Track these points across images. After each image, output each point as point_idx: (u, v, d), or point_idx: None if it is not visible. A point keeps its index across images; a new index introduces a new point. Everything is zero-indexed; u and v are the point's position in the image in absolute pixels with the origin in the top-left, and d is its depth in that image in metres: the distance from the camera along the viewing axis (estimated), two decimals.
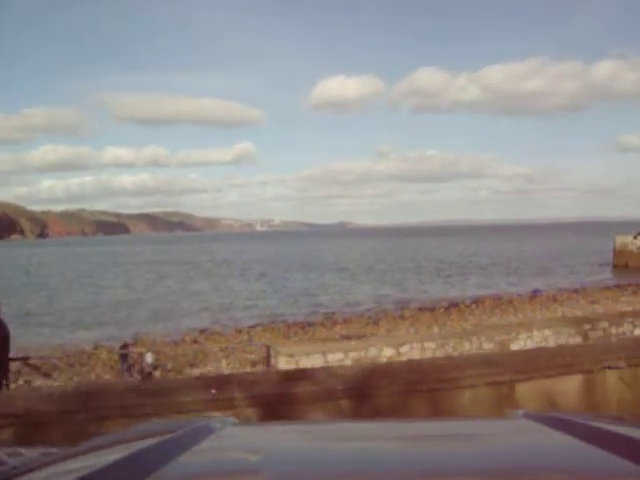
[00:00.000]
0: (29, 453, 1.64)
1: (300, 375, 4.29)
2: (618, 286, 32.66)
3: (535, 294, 32.26)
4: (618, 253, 45.19)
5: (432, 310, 27.39)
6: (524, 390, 4.82)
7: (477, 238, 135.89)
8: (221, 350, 15.86)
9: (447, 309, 27.57)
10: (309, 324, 24.41)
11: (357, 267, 55.02)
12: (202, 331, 23.60)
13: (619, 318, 11.91)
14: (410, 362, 5.22)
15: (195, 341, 20.72)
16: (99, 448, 1.49)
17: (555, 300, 29.27)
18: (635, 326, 11.16)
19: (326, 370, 4.74)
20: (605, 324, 11.04)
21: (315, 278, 44.61)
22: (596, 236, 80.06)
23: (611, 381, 5.24)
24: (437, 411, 4.55)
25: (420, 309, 28.04)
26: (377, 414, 4.36)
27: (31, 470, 1.32)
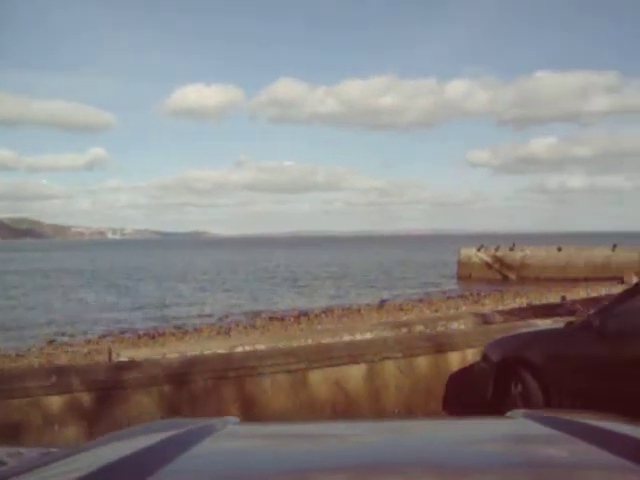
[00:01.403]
0: (29, 453, 1.66)
1: (129, 365, 5.17)
2: (461, 296, 34.83)
3: (382, 303, 34.11)
4: (462, 265, 46.82)
5: (282, 320, 28.41)
6: (316, 376, 5.94)
7: (331, 249, 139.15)
8: (69, 362, 16.05)
9: (297, 318, 28.70)
10: (159, 334, 24.66)
11: (210, 277, 55.25)
12: (50, 342, 23.36)
13: (433, 322, 13.52)
14: (221, 354, 6.21)
15: (42, 352, 20.58)
16: (99, 448, 1.49)
17: (401, 309, 31.11)
18: (447, 328, 12.68)
19: (151, 361, 5.63)
20: (421, 327, 12.43)
21: (167, 288, 44.42)
22: (445, 248, 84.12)
23: (390, 369, 6.49)
24: (244, 394, 5.57)
25: (271, 319, 28.97)
26: (193, 396, 5.32)
27: (31, 470, 1.32)
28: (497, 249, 46.65)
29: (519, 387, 5.92)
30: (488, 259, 45.87)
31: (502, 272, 44.22)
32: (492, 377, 6.20)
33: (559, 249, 43.39)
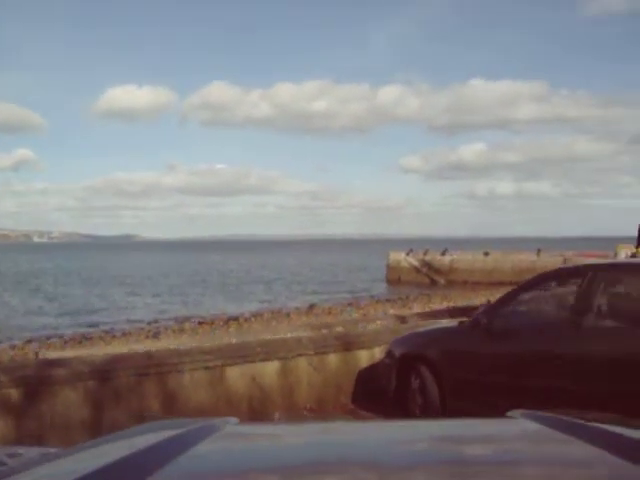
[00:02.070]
0: (29, 453, 1.67)
1: (56, 362, 5.54)
2: (389, 299, 35.58)
3: (312, 307, 34.64)
4: (391, 269, 47.45)
5: (211, 324, 28.62)
6: (233, 373, 6.41)
7: (263, 253, 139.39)
8: None
9: (226, 322, 28.96)
10: (87, 338, 24.58)
11: (141, 281, 54.80)
12: None
13: (354, 323, 14.23)
14: (143, 352, 6.62)
15: None
16: (99, 448, 1.50)
17: (330, 313, 31.77)
18: (365, 329, 13.35)
19: (78, 358, 6.00)
20: (340, 328, 13.07)
21: (96, 292, 43.93)
22: (376, 252, 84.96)
23: (303, 366, 7.01)
24: (165, 390, 5.99)
25: (200, 323, 29.14)
26: (117, 392, 5.72)
27: (31, 470, 1.32)
28: (425, 253, 47.53)
29: (418, 380, 6.52)
30: (416, 263, 46.71)
31: (430, 276, 45.13)
32: (395, 372, 6.79)
33: (486, 254, 44.52)
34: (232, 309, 34.32)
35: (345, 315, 30.34)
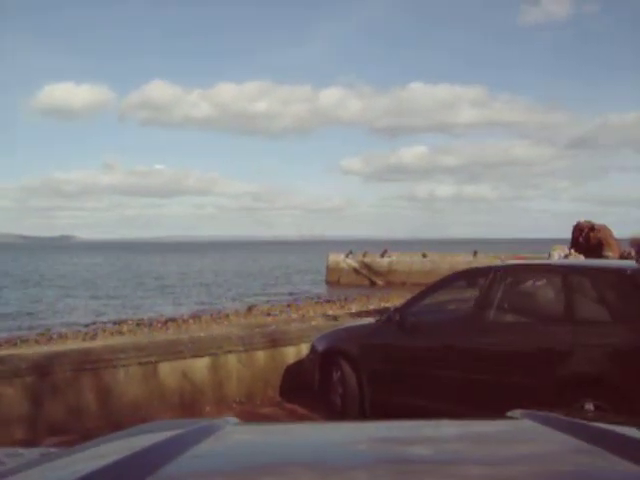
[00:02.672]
0: (29, 453, 1.68)
1: None
2: (328, 300, 36.05)
3: (251, 309, 34.93)
4: (331, 270, 47.68)
5: (150, 325, 28.65)
6: (165, 368, 6.82)
7: (203, 254, 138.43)
8: None
9: (165, 324, 29.02)
10: (22, 341, 24.36)
11: (78, 283, 54.04)
12: None
13: (287, 323, 14.72)
14: (80, 348, 6.96)
15: None
16: (100, 448, 1.50)
17: (269, 314, 32.09)
18: None
19: (17, 355, 6.33)
20: (273, 327, 13.53)
21: (32, 294, 43.21)
22: (316, 254, 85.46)
23: (232, 362, 7.47)
24: (100, 384, 6.36)
25: (138, 324, 29.12)
26: (55, 387, 6.07)
27: (31, 470, 1.33)
28: (365, 255, 48.05)
29: (338, 373, 7.06)
30: (356, 265, 47.09)
31: (370, 277, 45.59)
32: (318, 366, 7.31)
33: (424, 255, 45.18)
34: (171, 311, 34.23)
35: (284, 316, 30.76)
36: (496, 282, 6.29)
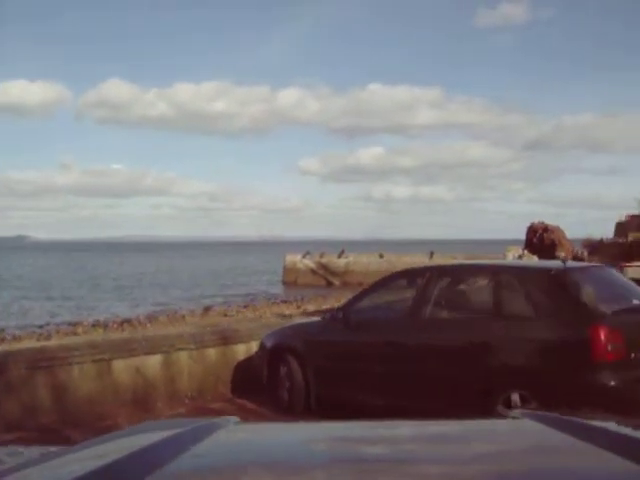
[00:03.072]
0: (29, 453, 1.68)
1: None
2: (285, 301, 36.26)
3: (208, 310, 34.98)
4: (288, 271, 48.11)
5: (105, 326, 28.59)
6: (119, 365, 7.10)
7: (160, 255, 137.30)
8: None
9: (120, 325, 28.98)
10: None
11: (33, 283, 53.36)
12: None
13: (240, 323, 15.10)
14: (35, 347, 7.20)
15: None
16: (99, 447, 1.50)
17: (225, 315, 32.20)
18: None
19: None
20: (225, 325, 13.85)
21: None
22: (274, 254, 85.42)
23: (184, 359, 7.78)
24: (55, 382, 6.61)
25: (94, 325, 29.01)
26: (10, 385, 6.28)
27: (31, 470, 1.33)
28: (322, 256, 48.43)
29: (285, 368, 7.42)
30: (313, 265, 47.49)
31: (327, 278, 45.97)
32: (266, 362, 7.67)
33: (381, 256, 45.66)
34: (127, 312, 34.06)
35: (240, 316, 30.95)
36: (432, 281, 6.74)
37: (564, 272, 6.40)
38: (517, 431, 1.58)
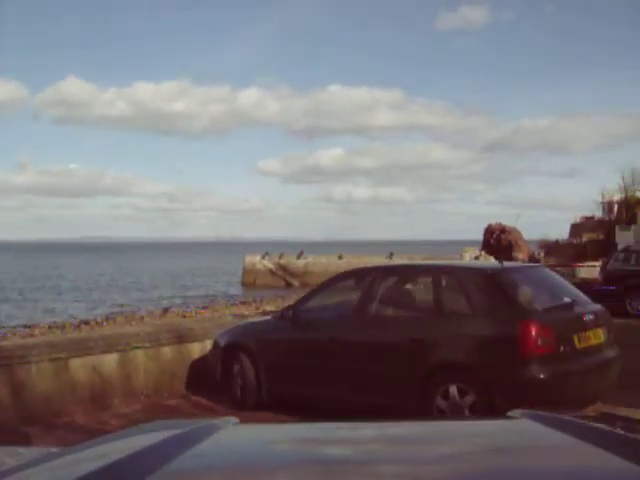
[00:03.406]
0: (29, 453, 1.68)
1: None
2: (244, 302, 36.34)
3: (166, 310, 34.94)
4: (247, 272, 48.16)
5: (63, 328, 28.43)
6: (76, 364, 7.30)
7: (119, 256, 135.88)
8: None
9: (78, 326, 28.85)
10: None
11: None
12: None
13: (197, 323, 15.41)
14: None
15: None
16: (99, 448, 1.51)
17: (184, 316, 32.24)
18: None
19: None
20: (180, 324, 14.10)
21: None
22: (234, 255, 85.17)
23: (140, 357, 8.01)
24: (13, 380, 6.79)
25: (50, 327, 28.86)
26: None
27: (31, 470, 1.34)
28: (281, 257, 48.59)
29: (238, 366, 7.71)
30: (272, 266, 47.67)
31: (286, 279, 46.21)
32: (220, 360, 7.95)
33: (340, 257, 45.79)
34: (85, 314, 33.89)
35: (199, 317, 31.06)
36: (377, 281, 7.11)
37: (500, 272, 6.84)
38: (517, 431, 1.60)
